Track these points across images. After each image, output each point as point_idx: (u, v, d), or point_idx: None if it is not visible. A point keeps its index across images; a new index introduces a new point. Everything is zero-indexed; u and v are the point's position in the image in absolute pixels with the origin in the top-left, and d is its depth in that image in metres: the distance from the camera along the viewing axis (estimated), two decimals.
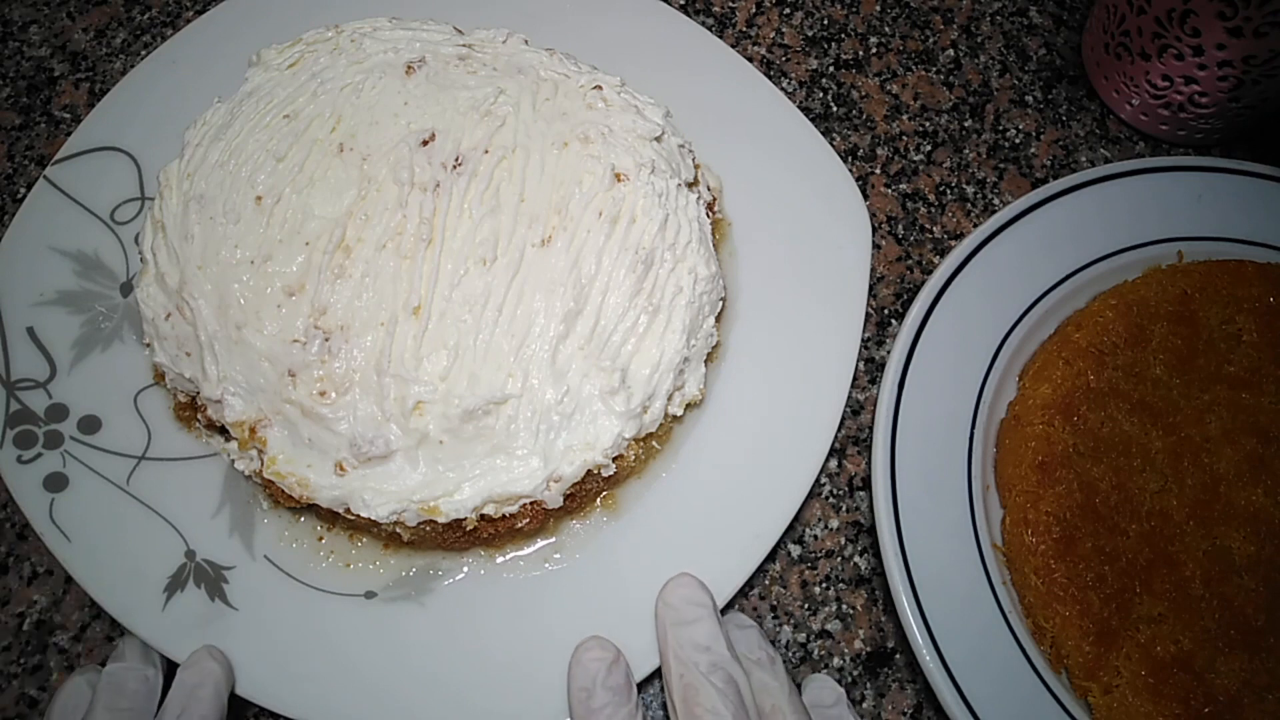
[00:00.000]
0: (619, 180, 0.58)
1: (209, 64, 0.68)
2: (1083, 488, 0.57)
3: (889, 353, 0.60)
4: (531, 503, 0.54)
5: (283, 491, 0.54)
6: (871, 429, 0.58)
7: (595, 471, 0.55)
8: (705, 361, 0.59)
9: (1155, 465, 0.58)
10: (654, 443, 0.59)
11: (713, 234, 0.61)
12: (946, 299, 0.61)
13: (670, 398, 0.57)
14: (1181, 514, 0.57)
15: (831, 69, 0.77)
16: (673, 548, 0.58)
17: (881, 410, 0.58)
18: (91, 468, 0.58)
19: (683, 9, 0.77)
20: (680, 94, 0.67)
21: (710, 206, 0.63)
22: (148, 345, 0.57)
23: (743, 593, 0.61)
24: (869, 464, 0.62)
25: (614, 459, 0.55)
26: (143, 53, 0.75)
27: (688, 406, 0.59)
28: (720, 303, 0.60)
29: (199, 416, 0.58)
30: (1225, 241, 0.65)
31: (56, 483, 0.57)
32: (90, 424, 0.59)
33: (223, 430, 0.57)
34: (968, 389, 0.60)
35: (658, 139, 0.60)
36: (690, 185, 0.62)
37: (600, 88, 0.61)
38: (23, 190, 0.70)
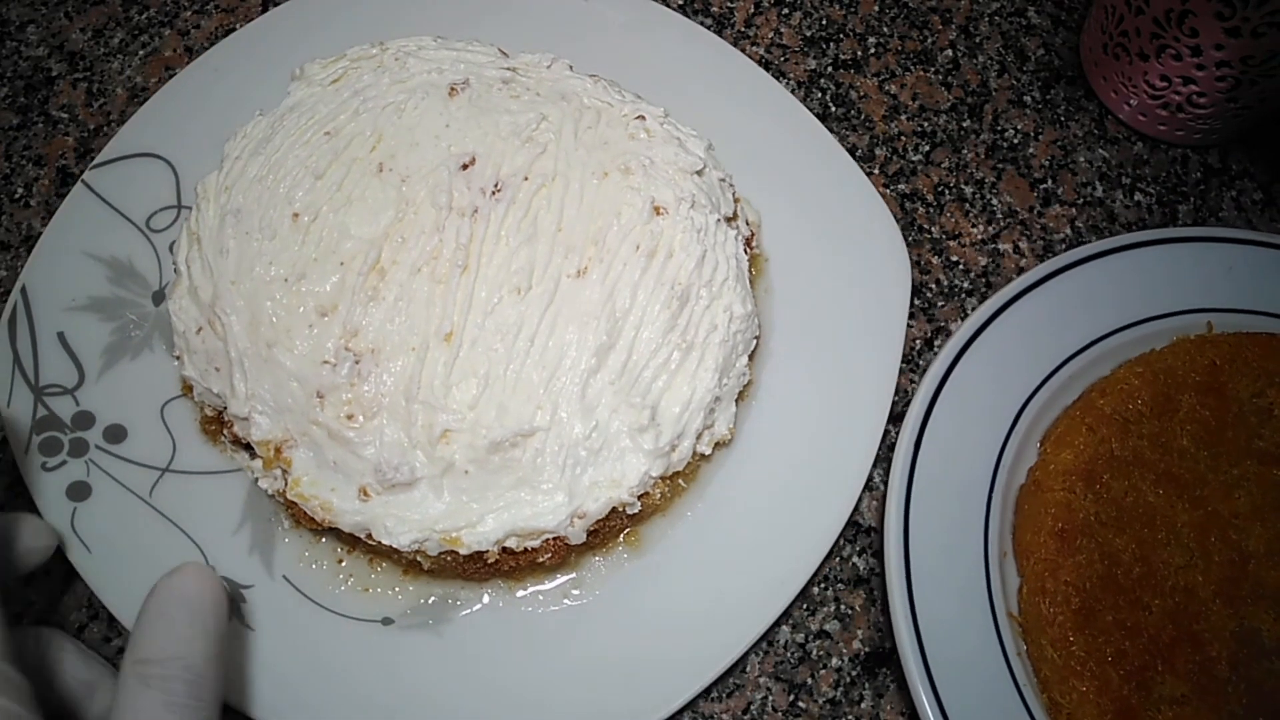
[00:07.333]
0: (658, 214, 0.57)
1: (252, 73, 0.68)
2: (1104, 558, 0.55)
3: (907, 404, 0.59)
4: (554, 537, 0.54)
5: (304, 513, 0.53)
6: (886, 483, 0.57)
7: (620, 509, 0.54)
8: (736, 400, 0.59)
9: (1180, 539, 0.56)
10: (680, 481, 0.59)
11: (750, 269, 0.61)
12: (969, 357, 0.60)
13: (699, 436, 0.56)
14: (1208, 591, 0.55)
15: (830, 69, 0.76)
16: (695, 588, 0.57)
17: (896, 469, 0.57)
18: (115, 478, 0.57)
19: (681, 9, 0.77)
20: (722, 124, 0.66)
21: (749, 242, 0.63)
22: (177, 358, 0.56)
23: None
24: (874, 497, 0.61)
25: (639, 496, 0.54)
26: (140, 53, 0.75)
27: (716, 445, 0.58)
28: (754, 341, 0.59)
29: (225, 431, 0.58)
30: (1256, 315, 0.64)
31: (80, 491, 0.57)
32: (116, 433, 0.58)
33: (248, 446, 0.56)
34: (987, 451, 0.59)
35: (699, 173, 0.60)
36: (729, 220, 0.61)
37: (643, 118, 0.61)
38: (20, 190, 0.70)
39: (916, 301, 0.68)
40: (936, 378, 0.59)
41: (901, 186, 0.72)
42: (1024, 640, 0.55)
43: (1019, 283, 0.62)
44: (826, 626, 0.60)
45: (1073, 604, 0.54)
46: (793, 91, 0.74)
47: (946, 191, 0.72)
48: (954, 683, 0.52)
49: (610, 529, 0.56)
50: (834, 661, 0.59)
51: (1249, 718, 0.52)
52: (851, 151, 0.72)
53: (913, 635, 0.52)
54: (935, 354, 0.60)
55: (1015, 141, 0.74)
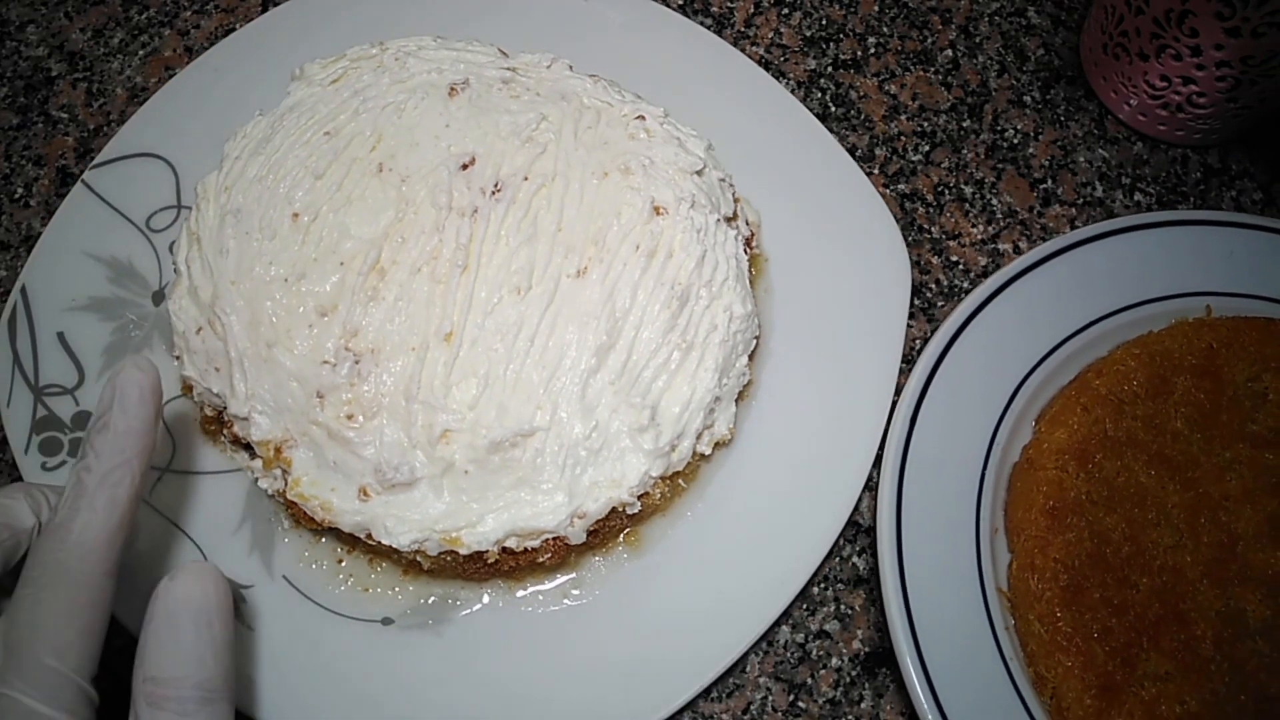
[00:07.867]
0: (658, 214, 0.57)
1: (252, 73, 0.68)
2: (1094, 536, 0.56)
3: (903, 385, 0.59)
4: (554, 537, 0.54)
5: (304, 513, 0.53)
6: (879, 463, 0.57)
7: (620, 509, 0.54)
8: (736, 400, 0.59)
9: (1171, 519, 0.57)
10: (680, 481, 0.59)
11: (749, 269, 0.61)
12: (967, 335, 0.60)
13: (699, 436, 0.56)
14: (1195, 571, 0.55)
15: (830, 69, 0.76)
16: (695, 588, 0.57)
17: (891, 446, 0.57)
18: None
19: (681, 9, 0.77)
20: (722, 124, 0.66)
21: (748, 242, 0.63)
22: (177, 358, 0.56)
23: None
24: (874, 497, 0.61)
25: (639, 496, 0.54)
26: (140, 53, 0.75)
27: (716, 445, 0.58)
28: (754, 341, 0.59)
29: (225, 431, 0.58)
30: (1256, 299, 0.64)
31: None
32: None
33: (248, 446, 0.56)
34: (982, 429, 0.59)
35: (699, 173, 0.60)
36: (729, 220, 0.61)
37: (643, 118, 0.61)
38: (20, 190, 0.70)
39: (916, 301, 0.68)
40: (934, 355, 0.59)
41: (901, 186, 0.72)
42: (1012, 615, 0.56)
43: (1019, 263, 0.62)
44: (826, 626, 0.60)
45: (1061, 580, 0.55)
46: (793, 91, 0.74)
47: (946, 191, 0.73)
48: (943, 658, 0.52)
49: (610, 529, 0.56)
50: (834, 661, 0.59)
51: (1231, 696, 0.52)
52: (851, 151, 0.72)
53: (902, 608, 0.53)
54: (934, 331, 0.60)
55: (1015, 141, 0.74)
